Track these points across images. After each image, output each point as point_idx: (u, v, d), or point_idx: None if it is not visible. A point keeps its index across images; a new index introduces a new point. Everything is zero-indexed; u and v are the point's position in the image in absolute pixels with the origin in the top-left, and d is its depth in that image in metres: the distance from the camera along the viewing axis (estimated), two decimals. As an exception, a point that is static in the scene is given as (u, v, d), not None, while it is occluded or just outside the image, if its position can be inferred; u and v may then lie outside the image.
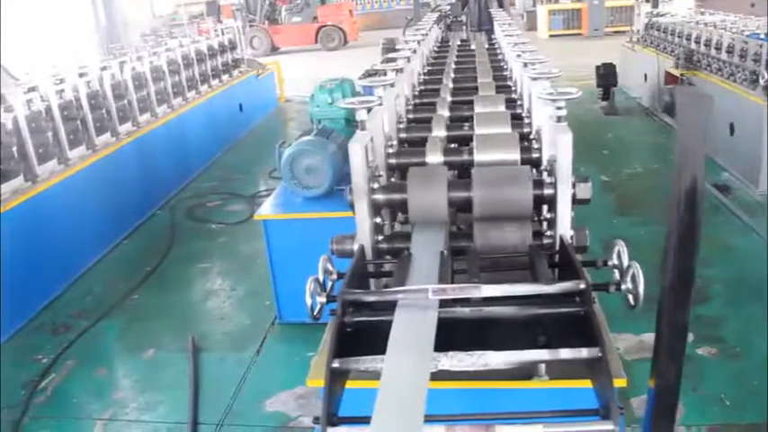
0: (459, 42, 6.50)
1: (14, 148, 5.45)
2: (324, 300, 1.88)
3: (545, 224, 2.26)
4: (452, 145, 2.89)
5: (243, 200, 7.85)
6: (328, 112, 4.93)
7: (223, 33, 11.15)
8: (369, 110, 2.32)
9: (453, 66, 4.57)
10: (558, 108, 2.17)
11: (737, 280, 5.15)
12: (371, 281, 2.23)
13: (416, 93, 3.85)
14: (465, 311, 1.72)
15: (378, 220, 2.23)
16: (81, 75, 6.78)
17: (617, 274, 1.93)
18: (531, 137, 2.78)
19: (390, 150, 2.63)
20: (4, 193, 5.28)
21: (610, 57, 11.18)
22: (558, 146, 2.05)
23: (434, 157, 2.57)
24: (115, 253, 6.64)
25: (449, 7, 9.16)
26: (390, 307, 1.69)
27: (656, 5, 11.90)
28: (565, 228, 2.08)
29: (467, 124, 2.99)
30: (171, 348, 4.88)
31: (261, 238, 4.79)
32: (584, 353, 1.55)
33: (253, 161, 9.42)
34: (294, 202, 4.63)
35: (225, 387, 4.34)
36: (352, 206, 2.19)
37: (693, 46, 8.80)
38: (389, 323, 1.62)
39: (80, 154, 6.37)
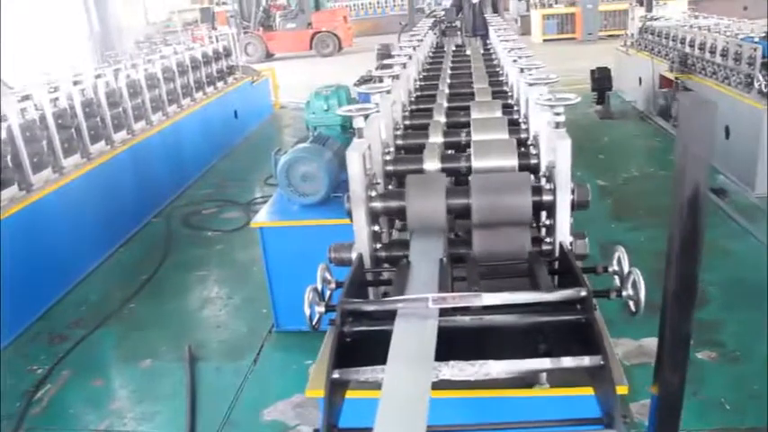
0: (454, 48, 6.49)
1: (9, 157, 5.42)
2: (322, 309, 1.86)
3: (544, 231, 2.25)
4: (450, 151, 2.89)
5: (239, 207, 7.83)
6: (324, 119, 4.93)
7: (217, 40, 11.14)
8: (366, 117, 2.30)
9: (449, 71, 4.57)
10: (557, 114, 2.16)
11: (735, 283, 5.14)
12: (370, 289, 2.22)
13: (413, 99, 3.84)
14: (465, 320, 1.70)
15: (376, 228, 2.21)
16: (75, 83, 6.76)
17: (617, 281, 1.92)
18: (529, 143, 2.77)
19: (388, 158, 2.61)
20: (-2, 203, 5.26)
21: (604, 61, 11.20)
22: (556, 152, 2.04)
23: (432, 163, 2.55)
24: (111, 261, 6.61)
25: (443, 13, 9.16)
26: (390, 316, 1.68)
27: (649, 9, 11.93)
28: (564, 234, 2.07)
29: (464, 130, 2.98)
30: (168, 358, 4.85)
31: (257, 245, 4.77)
32: (586, 361, 1.54)
33: (248, 168, 9.40)
34: (290, 210, 4.61)
35: (222, 396, 4.31)
36: (349, 214, 2.17)
37: (688, 50, 8.82)
38: (389, 333, 1.61)
39: (75, 162, 6.35)
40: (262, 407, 4.17)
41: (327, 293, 1.97)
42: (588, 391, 1.69)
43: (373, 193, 2.19)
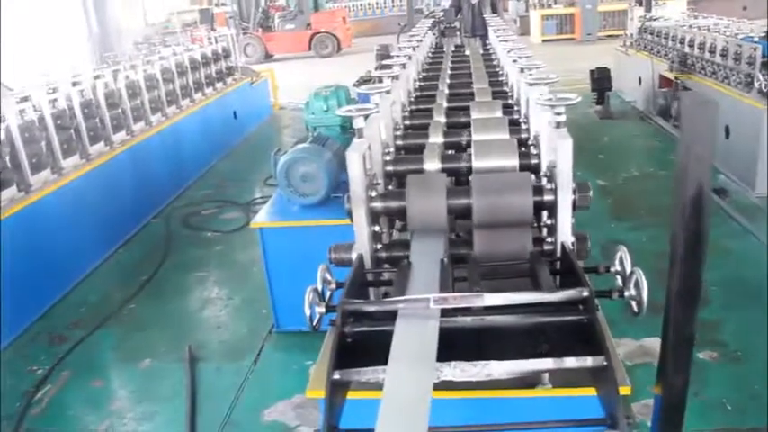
0: (453, 48, 6.49)
1: (7, 158, 5.41)
2: (323, 310, 1.85)
3: (545, 231, 2.24)
4: (450, 151, 2.88)
5: (238, 208, 7.83)
6: (323, 120, 4.92)
7: (216, 41, 11.13)
8: (366, 117, 2.30)
9: (449, 72, 4.56)
10: (558, 114, 2.15)
11: (736, 283, 5.14)
12: (371, 290, 2.21)
13: (412, 99, 3.84)
14: (467, 321, 1.70)
15: (376, 228, 2.21)
16: (74, 83, 6.75)
17: (619, 281, 1.91)
18: (529, 143, 2.76)
19: (388, 158, 2.60)
20: (-3, 204, 5.25)
21: (603, 61, 11.20)
22: (557, 151, 2.03)
23: (432, 164, 2.54)
24: (110, 262, 6.60)
25: (442, 13, 9.16)
26: (391, 317, 1.67)
27: (648, 9, 11.93)
28: (566, 234, 2.06)
29: (464, 130, 2.97)
30: (168, 358, 4.84)
31: (257, 245, 4.76)
32: (588, 361, 1.53)
33: (248, 169, 9.39)
34: (290, 210, 4.60)
35: (222, 397, 4.30)
36: (349, 215, 2.17)
37: (687, 49, 8.82)
38: (390, 333, 1.60)
39: (74, 163, 6.34)
40: (262, 407, 4.16)
41: (328, 294, 1.96)
42: (591, 392, 1.69)
43: (373, 194, 2.18)
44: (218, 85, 10.53)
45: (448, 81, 4.21)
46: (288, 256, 4.56)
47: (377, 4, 27.82)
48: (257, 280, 5.47)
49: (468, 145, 2.62)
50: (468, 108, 3.19)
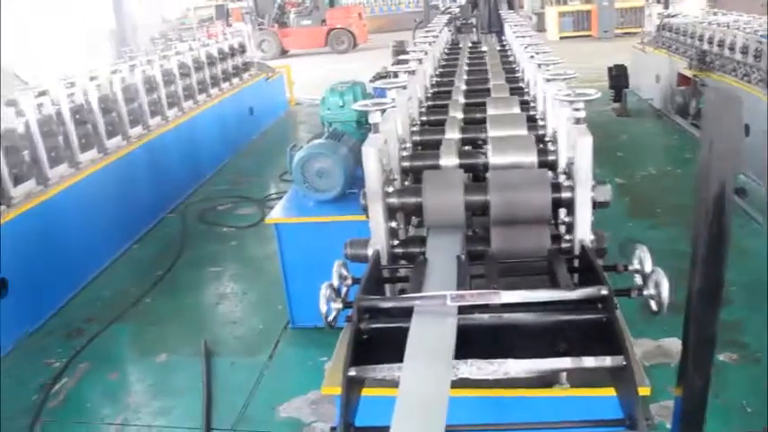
0: (469, 45, 6.45)
1: (26, 152, 5.44)
2: (339, 306, 1.84)
3: (563, 228, 2.21)
4: (466, 148, 2.85)
5: (253, 203, 7.83)
6: (339, 115, 4.90)
7: (232, 37, 11.14)
8: (382, 112, 2.28)
9: (465, 68, 4.53)
10: (577, 110, 2.12)
11: (756, 283, 5.07)
12: (386, 286, 2.19)
13: (428, 95, 3.81)
14: (484, 318, 1.68)
15: (393, 224, 2.19)
16: (91, 78, 6.79)
17: (638, 279, 1.88)
18: (547, 139, 2.73)
19: (404, 153, 2.59)
20: (16, 197, 5.27)
21: (620, 58, 11.11)
22: (576, 148, 2.01)
23: (449, 159, 2.52)
24: (126, 257, 6.64)
25: (458, 9, 9.11)
26: (407, 313, 1.66)
27: (667, 6, 11.82)
28: (584, 232, 2.04)
29: (481, 126, 2.94)
30: (183, 353, 4.86)
31: (272, 241, 4.77)
32: (607, 361, 1.51)
33: (263, 164, 9.41)
34: (306, 206, 4.60)
35: (238, 392, 4.31)
36: (365, 210, 2.15)
37: (707, 47, 8.72)
38: (406, 330, 1.59)
39: (91, 157, 6.37)
40: (277, 403, 4.16)
41: (344, 290, 1.95)
42: (609, 392, 1.67)
43: (390, 189, 2.16)
44: (235, 80, 10.55)
45: (464, 77, 4.18)
46: (303, 251, 4.55)
47: (392, 0, 27.78)
48: (272, 276, 5.47)
49: (485, 141, 2.59)
50: (484, 104, 3.17)
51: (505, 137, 2.59)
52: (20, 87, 7.11)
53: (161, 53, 8.83)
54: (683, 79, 9.46)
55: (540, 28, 21.57)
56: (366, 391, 1.63)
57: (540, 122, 3.01)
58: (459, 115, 3.21)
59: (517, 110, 3.08)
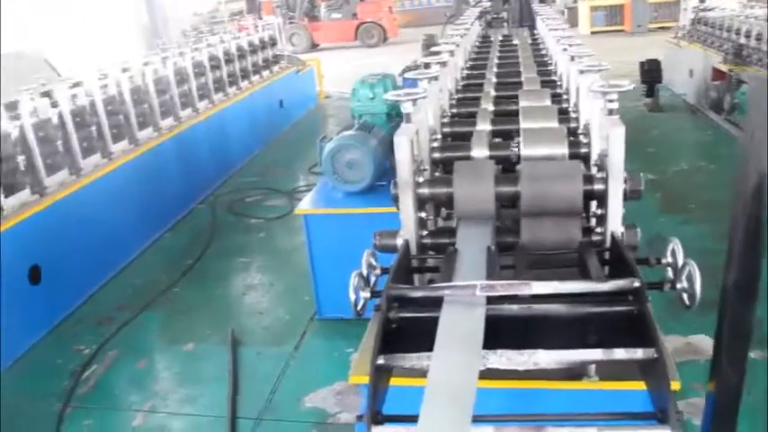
0: (501, 38, 6.40)
1: (60, 142, 5.52)
2: (368, 295, 1.84)
3: (593, 221, 2.19)
4: (497, 140, 2.83)
5: (282, 195, 7.87)
6: (369, 107, 4.89)
7: (263, 30, 11.18)
8: (414, 102, 2.27)
9: (496, 61, 4.50)
10: (610, 101, 2.09)
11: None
12: (415, 277, 2.19)
13: (459, 87, 3.79)
14: (513, 309, 1.67)
15: (422, 214, 2.18)
16: (124, 70, 6.86)
17: (670, 273, 1.86)
18: (579, 132, 2.71)
19: (435, 144, 2.58)
20: (48, 187, 5.36)
21: (653, 53, 10.93)
22: (609, 139, 1.98)
23: (480, 151, 2.51)
24: (157, 246, 6.71)
25: (490, 3, 9.05)
26: (436, 303, 1.65)
27: (703, 0, 11.61)
28: (616, 224, 2.02)
29: (513, 118, 2.92)
30: (211, 341, 4.90)
31: (299, 233, 4.78)
32: (639, 353, 1.50)
33: (292, 157, 9.44)
34: (335, 198, 4.60)
35: (264, 382, 4.34)
36: (396, 200, 2.15)
37: (743, 40, 8.56)
38: (434, 320, 1.58)
39: (123, 148, 6.45)
40: (303, 393, 4.17)
41: (372, 279, 1.95)
42: (639, 386, 1.65)
43: (420, 179, 2.15)
44: (265, 73, 10.58)
45: (495, 70, 4.15)
46: (332, 243, 4.57)
47: (423, -7, 27.69)
48: (299, 267, 5.49)
49: (517, 133, 2.57)
50: (515, 97, 3.15)
51: (537, 129, 2.57)
52: (54, 78, 7.20)
53: (193, 45, 8.89)
54: (717, 74, 9.30)
55: (572, 23, 21.34)
56: (393, 381, 1.63)
57: (573, 115, 2.98)
58: (490, 107, 3.20)
59: (548, 102, 3.05)
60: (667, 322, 4.17)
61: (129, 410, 4.24)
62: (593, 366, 1.90)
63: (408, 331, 1.68)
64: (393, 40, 22.74)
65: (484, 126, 2.86)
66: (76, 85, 6.03)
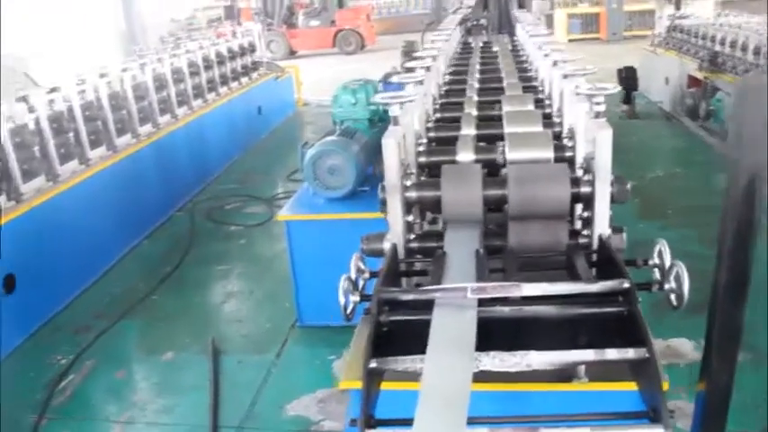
0: (481, 45, 6.42)
1: (36, 148, 5.44)
2: (357, 298, 1.83)
3: (579, 223, 2.20)
4: (481, 144, 2.83)
5: (261, 202, 7.83)
6: (351, 113, 4.88)
7: (242, 36, 11.14)
8: (401, 105, 2.26)
9: (478, 66, 4.51)
10: (597, 104, 2.11)
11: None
12: (403, 280, 2.18)
13: (442, 93, 3.80)
14: (504, 311, 1.67)
15: (410, 218, 2.18)
16: (102, 75, 6.79)
17: (656, 275, 1.87)
18: (564, 135, 2.72)
19: (421, 148, 2.57)
20: (25, 194, 5.28)
21: (629, 61, 11.05)
22: (596, 142, 2.00)
23: (466, 155, 2.51)
24: (135, 253, 6.64)
25: (469, 10, 9.09)
26: (426, 306, 1.64)
27: (678, 7, 11.78)
28: (603, 226, 2.03)
29: (497, 123, 2.92)
30: (190, 350, 4.85)
31: (279, 240, 4.76)
32: (630, 353, 1.50)
33: (271, 164, 9.40)
34: (316, 204, 4.58)
35: (245, 390, 4.30)
36: (384, 204, 2.14)
37: (718, 48, 8.69)
38: (425, 323, 1.57)
39: (101, 154, 6.38)
40: (285, 401, 4.14)
41: (361, 284, 1.93)
42: (629, 386, 1.65)
43: (408, 183, 2.14)
44: (244, 79, 10.54)
45: (477, 76, 4.16)
46: (313, 249, 4.55)
47: (400, 2, 27.76)
48: (279, 274, 5.46)
49: (501, 138, 2.58)
50: (498, 102, 3.16)
51: (522, 133, 2.58)
52: (31, 87, 7.12)
53: (171, 51, 8.83)
54: (693, 81, 9.43)
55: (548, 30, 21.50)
56: (383, 386, 1.61)
57: (556, 119, 2.99)
58: (474, 112, 3.20)
59: (532, 107, 3.07)
60: (649, 325, 4.21)
61: (107, 421, 4.18)
62: (582, 368, 1.90)
63: (398, 334, 1.67)
64: (371, 47, 22.78)
65: (468, 130, 2.86)
66: (53, 90, 5.96)
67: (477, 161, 2.49)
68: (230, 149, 9.69)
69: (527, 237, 2.07)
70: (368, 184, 4.57)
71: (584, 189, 2.05)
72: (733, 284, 1.41)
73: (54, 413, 4.27)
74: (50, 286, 5.39)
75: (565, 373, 1.91)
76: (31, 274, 5.11)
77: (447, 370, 1.40)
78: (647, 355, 1.47)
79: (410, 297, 1.73)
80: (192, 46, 9.35)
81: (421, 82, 2.83)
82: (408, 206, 2.17)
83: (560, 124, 2.92)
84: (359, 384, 1.76)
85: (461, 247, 1.98)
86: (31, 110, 5.52)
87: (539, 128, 2.71)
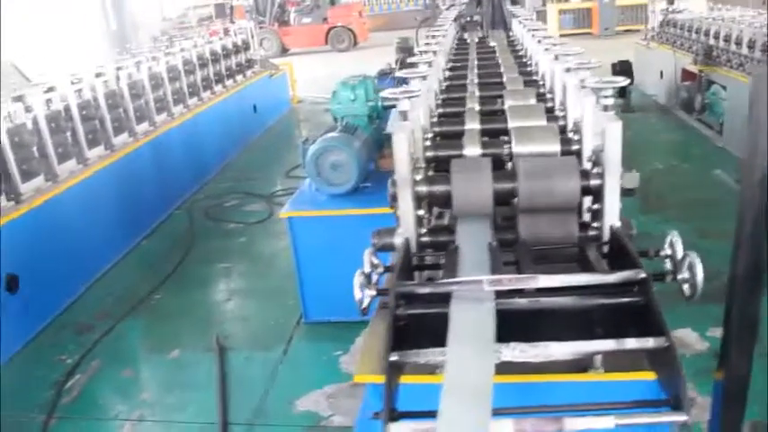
0: (476, 40, 6.43)
1: (34, 148, 5.43)
2: (373, 293, 1.84)
3: (588, 216, 2.21)
4: (485, 139, 2.85)
5: (260, 199, 7.82)
6: (350, 109, 4.88)
7: (236, 34, 11.13)
8: (410, 100, 2.27)
9: (476, 62, 4.52)
10: (605, 97, 2.12)
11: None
12: (415, 274, 2.19)
13: (443, 88, 3.80)
14: (522, 302, 1.68)
15: (420, 212, 2.19)
16: (98, 75, 6.78)
17: (668, 265, 1.88)
18: (568, 129, 2.73)
19: (428, 143, 2.58)
20: (24, 194, 5.27)
21: (621, 56, 11.07)
22: (606, 135, 2.01)
23: (473, 149, 2.52)
24: (136, 252, 6.64)
25: (463, 7, 9.09)
26: (443, 299, 1.65)
27: (672, 2, 11.80)
28: (614, 218, 2.04)
29: (499, 118, 2.94)
30: (196, 348, 4.85)
31: (280, 237, 4.76)
32: (650, 342, 1.52)
33: (268, 161, 9.40)
34: (319, 200, 4.58)
35: (253, 387, 4.30)
36: (394, 198, 2.15)
37: (712, 41, 8.72)
38: (442, 316, 1.58)
39: (99, 154, 6.37)
40: (294, 397, 4.14)
41: (374, 278, 1.94)
42: (647, 376, 1.67)
43: (418, 177, 2.15)
44: (239, 77, 10.53)
45: (476, 71, 4.17)
46: (317, 245, 4.55)
47: (393, -2, 27.79)
48: (281, 271, 5.47)
49: (505, 132, 2.59)
50: (499, 97, 3.17)
51: (528, 127, 2.59)
52: (26, 84, 7.10)
53: (165, 50, 8.82)
54: (687, 75, 9.46)
55: (541, 25, 21.51)
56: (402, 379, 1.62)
57: (559, 113, 3.01)
58: (477, 107, 3.21)
59: (534, 101, 3.08)
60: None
61: (117, 420, 4.18)
62: (599, 358, 1.91)
63: (415, 328, 1.69)
64: (363, 44, 22.78)
65: (473, 125, 2.87)
66: (51, 89, 5.94)
67: (483, 155, 2.51)
68: (227, 147, 9.69)
69: (537, 229, 2.08)
70: (369, 180, 4.58)
71: (594, 182, 2.06)
72: (750, 275, 1.42)
73: (63, 412, 4.27)
74: (52, 286, 5.38)
75: (581, 364, 1.92)
76: (34, 275, 5.10)
77: (469, 362, 1.42)
78: (666, 344, 1.49)
79: (427, 290, 1.74)
80: (186, 44, 9.33)
81: (425, 77, 2.83)
82: (418, 200, 2.18)
83: (564, 118, 2.94)
84: (373, 378, 1.78)
85: (474, 241, 1.99)
86: (29, 109, 5.51)
87: (543, 122, 2.72)
